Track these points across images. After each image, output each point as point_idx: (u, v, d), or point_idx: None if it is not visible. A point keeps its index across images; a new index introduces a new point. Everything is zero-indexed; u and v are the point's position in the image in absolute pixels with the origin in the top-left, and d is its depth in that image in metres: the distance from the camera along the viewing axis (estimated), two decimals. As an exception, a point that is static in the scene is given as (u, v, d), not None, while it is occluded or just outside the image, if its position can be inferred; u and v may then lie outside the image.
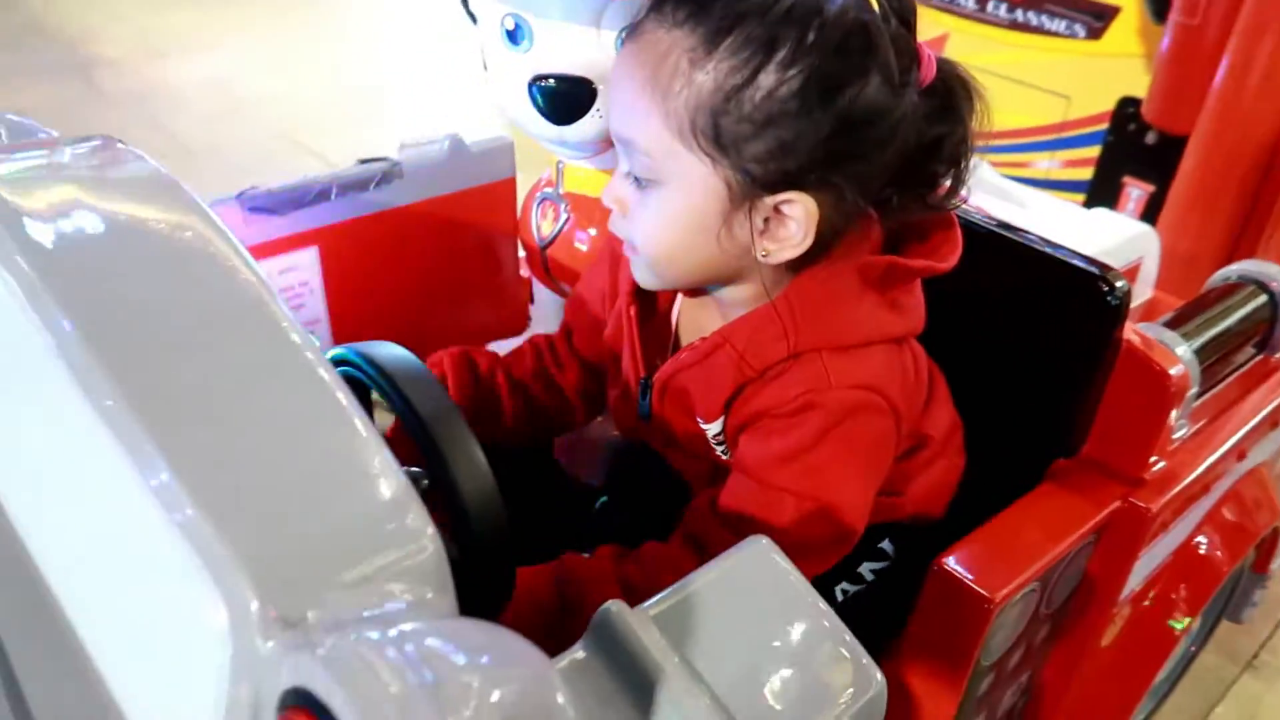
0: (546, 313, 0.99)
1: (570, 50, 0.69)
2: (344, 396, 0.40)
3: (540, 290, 0.97)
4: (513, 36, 0.72)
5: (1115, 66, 1.94)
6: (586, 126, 0.72)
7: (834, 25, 0.54)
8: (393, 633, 0.32)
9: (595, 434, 0.83)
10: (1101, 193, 1.98)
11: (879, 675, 0.44)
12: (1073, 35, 2.01)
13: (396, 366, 0.52)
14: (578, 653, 0.42)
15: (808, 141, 0.55)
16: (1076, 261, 0.75)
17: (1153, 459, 0.75)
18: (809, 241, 0.58)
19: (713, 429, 0.65)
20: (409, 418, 0.50)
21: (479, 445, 0.50)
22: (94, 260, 0.44)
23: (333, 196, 0.82)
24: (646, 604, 0.43)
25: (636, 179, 0.60)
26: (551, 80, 0.70)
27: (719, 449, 0.66)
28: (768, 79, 0.54)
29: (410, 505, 0.38)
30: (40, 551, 0.44)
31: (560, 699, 0.33)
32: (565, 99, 0.70)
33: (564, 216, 0.84)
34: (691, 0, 0.55)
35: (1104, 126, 2.01)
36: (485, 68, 0.76)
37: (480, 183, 0.95)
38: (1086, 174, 2.08)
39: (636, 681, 0.40)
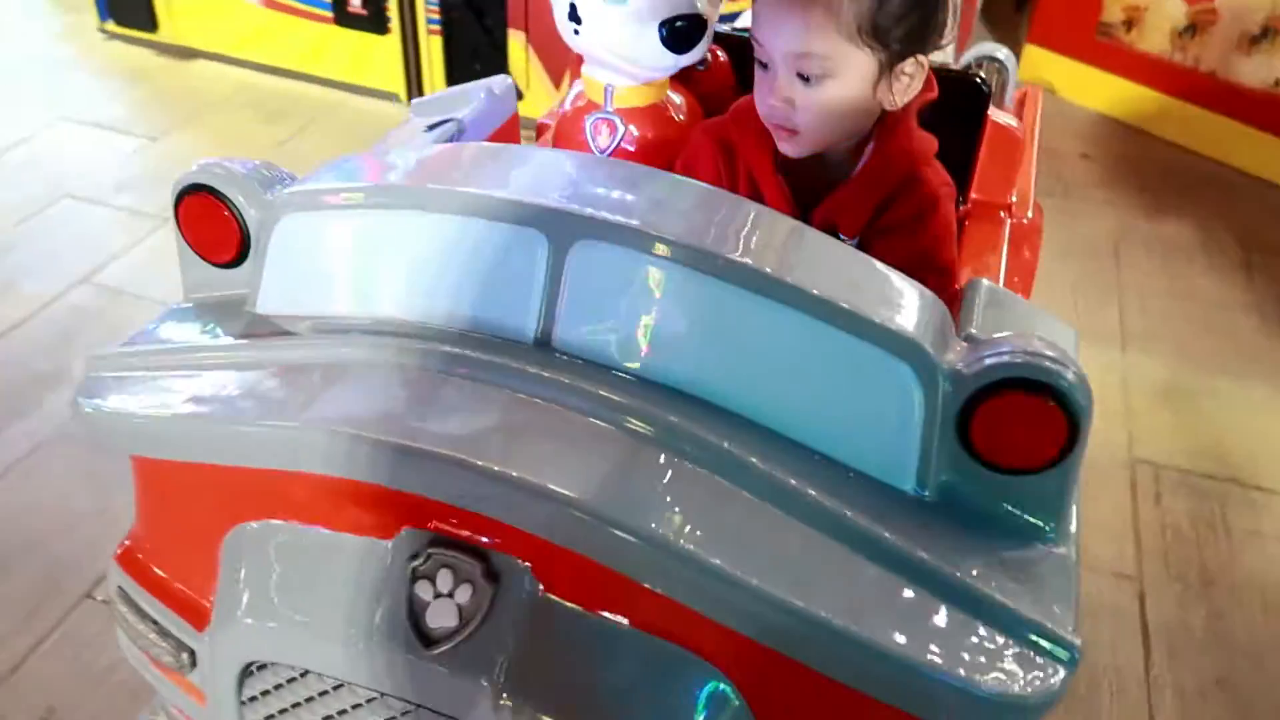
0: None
1: (695, 4, 0.93)
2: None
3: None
4: (615, -3, 0.93)
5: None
6: (696, 53, 0.97)
7: None
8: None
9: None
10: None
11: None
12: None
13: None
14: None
15: (922, 22, 0.87)
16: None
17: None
18: (918, 86, 0.90)
19: (852, 244, 0.96)
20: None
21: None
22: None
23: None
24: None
25: (805, 79, 0.88)
26: (680, 21, 0.93)
27: None
28: None
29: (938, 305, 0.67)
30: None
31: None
32: (689, 34, 0.94)
33: (620, 129, 1.07)
34: None
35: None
36: (576, 29, 0.96)
37: (504, 120, 1.13)
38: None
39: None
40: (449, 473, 0.60)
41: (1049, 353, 0.60)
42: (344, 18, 3.01)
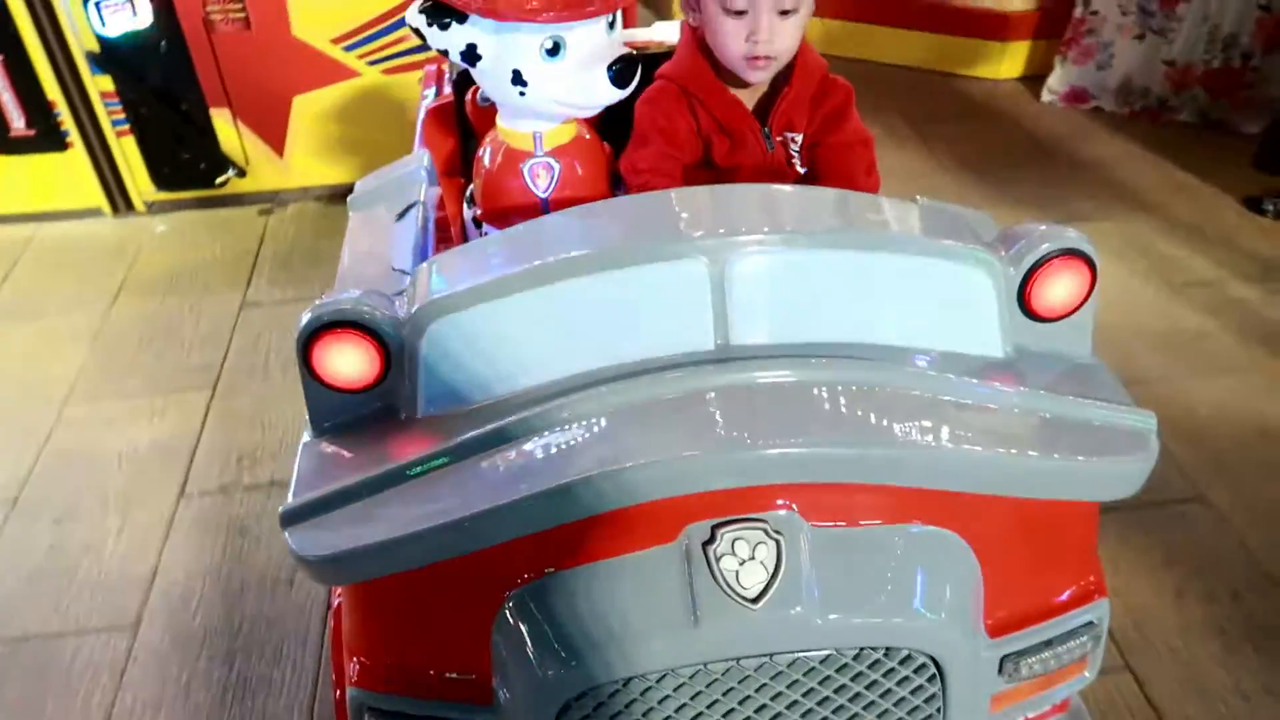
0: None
1: (619, 44, 1.08)
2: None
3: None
4: (553, 53, 1.06)
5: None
6: (631, 87, 1.11)
7: None
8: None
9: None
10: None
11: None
12: (389, -73, 2.44)
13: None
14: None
15: None
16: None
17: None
18: None
19: (799, 138, 1.22)
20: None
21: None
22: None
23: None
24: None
25: (784, 14, 1.13)
26: (619, 63, 1.07)
27: (796, 158, 1.24)
28: None
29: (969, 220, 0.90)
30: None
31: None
32: (631, 70, 1.09)
33: (556, 167, 1.20)
34: None
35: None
36: (522, 92, 1.08)
37: (435, 189, 1.22)
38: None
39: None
40: (720, 461, 0.74)
41: (1068, 230, 0.86)
42: (7, 145, 2.75)
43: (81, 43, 2.56)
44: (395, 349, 0.83)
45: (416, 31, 1.09)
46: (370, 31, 2.60)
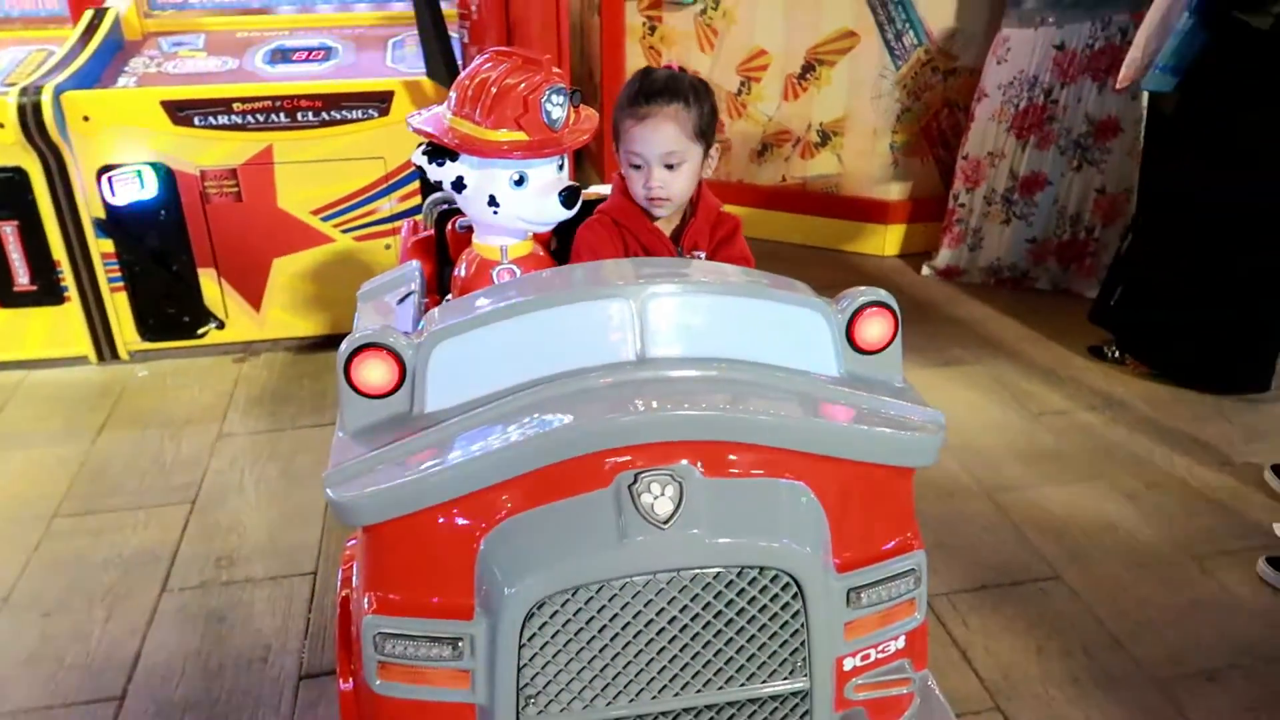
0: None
1: (566, 179, 1.49)
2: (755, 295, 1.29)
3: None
4: (519, 183, 1.46)
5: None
6: (576, 208, 1.52)
7: (709, 91, 1.56)
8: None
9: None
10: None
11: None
12: (368, 118, 2.94)
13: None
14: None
15: (714, 128, 1.57)
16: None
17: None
18: (714, 165, 1.62)
19: (703, 254, 1.62)
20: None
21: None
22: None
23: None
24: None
25: (670, 167, 1.53)
26: (566, 190, 1.48)
27: None
28: (706, 107, 1.54)
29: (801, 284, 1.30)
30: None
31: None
32: (576, 196, 1.49)
33: (517, 273, 1.58)
34: (669, 92, 1.52)
35: (411, 170, 3.01)
36: (495, 211, 1.48)
37: (425, 288, 1.59)
38: (416, 201, 3.06)
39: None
40: (643, 423, 1.08)
41: (879, 290, 1.25)
42: (10, 299, 3.04)
43: (90, 210, 2.94)
44: (410, 364, 1.17)
45: (419, 169, 1.49)
46: (347, 204, 3.04)
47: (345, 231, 3.09)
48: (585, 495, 1.10)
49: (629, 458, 1.10)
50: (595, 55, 4.02)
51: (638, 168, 1.57)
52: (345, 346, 1.16)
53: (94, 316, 3.09)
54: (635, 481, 1.09)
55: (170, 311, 3.12)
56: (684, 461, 1.11)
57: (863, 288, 1.27)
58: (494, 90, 1.43)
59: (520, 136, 1.44)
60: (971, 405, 2.96)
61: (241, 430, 2.84)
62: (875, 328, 1.25)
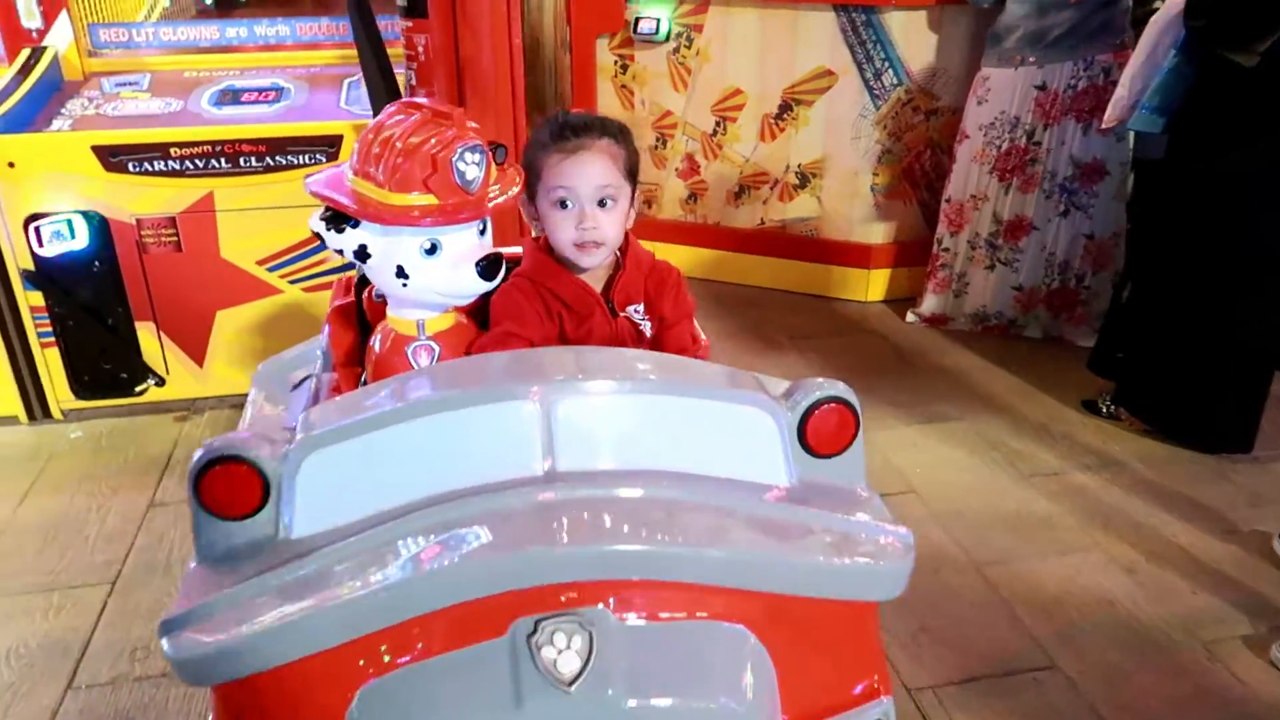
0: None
1: (489, 245, 1.30)
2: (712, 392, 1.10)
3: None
4: (430, 252, 1.28)
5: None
6: (497, 280, 1.33)
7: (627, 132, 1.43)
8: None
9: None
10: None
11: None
12: (316, 162, 2.77)
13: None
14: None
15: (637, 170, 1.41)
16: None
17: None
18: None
19: (639, 308, 1.45)
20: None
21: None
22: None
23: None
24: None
25: (602, 204, 1.38)
26: (485, 260, 1.29)
27: (644, 324, 1.47)
28: (632, 149, 1.40)
29: (753, 377, 1.12)
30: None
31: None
32: (496, 266, 1.31)
33: (436, 349, 1.39)
34: (598, 127, 1.38)
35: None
36: (404, 283, 1.29)
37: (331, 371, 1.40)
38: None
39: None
40: (547, 560, 0.89)
41: (838, 383, 1.07)
42: (-69, 356, 2.85)
43: (18, 262, 2.75)
44: (274, 479, 0.98)
45: (317, 235, 1.31)
46: (294, 254, 2.86)
47: (293, 282, 2.91)
48: (476, 647, 0.91)
49: (528, 601, 0.91)
50: (566, 94, 3.87)
51: (565, 206, 1.40)
52: (196, 458, 0.97)
53: (23, 373, 2.90)
54: (535, 631, 0.90)
55: (106, 368, 2.93)
56: (599, 605, 0.92)
57: (818, 379, 1.08)
58: (398, 147, 1.25)
59: (429, 200, 1.26)
60: (958, 465, 2.77)
61: (174, 499, 2.63)
62: (831, 429, 1.07)
